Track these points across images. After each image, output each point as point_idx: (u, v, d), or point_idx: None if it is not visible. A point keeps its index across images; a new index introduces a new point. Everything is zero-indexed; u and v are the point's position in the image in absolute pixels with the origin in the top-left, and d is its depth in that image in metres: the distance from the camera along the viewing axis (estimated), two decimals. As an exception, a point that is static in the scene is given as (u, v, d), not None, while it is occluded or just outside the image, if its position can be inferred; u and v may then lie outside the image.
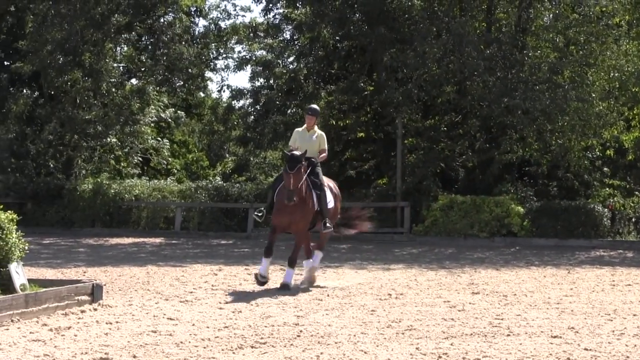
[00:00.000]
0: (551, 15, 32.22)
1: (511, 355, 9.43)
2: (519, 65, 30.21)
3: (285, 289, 15.46)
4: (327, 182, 16.72)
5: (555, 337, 10.66)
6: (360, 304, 13.45)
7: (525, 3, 31.08)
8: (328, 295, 14.67)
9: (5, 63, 41.53)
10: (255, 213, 16.74)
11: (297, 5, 35.26)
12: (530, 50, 31.17)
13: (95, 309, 12.72)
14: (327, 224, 16.08)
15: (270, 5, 35.72)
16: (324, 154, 16.30)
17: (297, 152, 15.47)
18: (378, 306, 13.23)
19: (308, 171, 15.66)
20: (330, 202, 16.36)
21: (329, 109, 36.13)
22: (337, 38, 34.93)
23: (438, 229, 28.90)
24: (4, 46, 42.09)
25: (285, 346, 9.97)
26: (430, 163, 31.46)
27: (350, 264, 21.07)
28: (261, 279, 15.60)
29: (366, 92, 33.83)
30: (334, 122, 36.00)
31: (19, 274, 12.36)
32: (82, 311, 12.43)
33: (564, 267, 20.97)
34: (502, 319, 11.93)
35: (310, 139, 16.21)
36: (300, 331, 10.83)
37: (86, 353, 9.38)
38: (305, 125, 16.48)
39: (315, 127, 16.51)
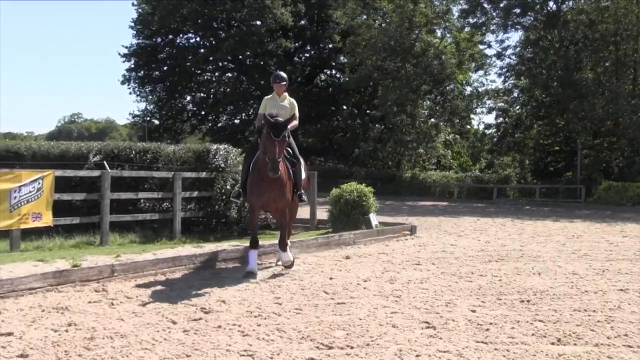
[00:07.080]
0: None
1: None
2: None
3: (289, 266, 14.13)
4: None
5: None
6: None
7: None
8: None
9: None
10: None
11: None
12: None
13: (412, 238, 20.59)
14: (303, 197, 14.37)
15: None
16: (295, 121, 13.84)
17: (280, 119, 13.30)
18: None
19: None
20: (303, 172, 14.74)
21: None
22: None
23: None
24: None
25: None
26: None
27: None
28: (253, 277, 13.04)
29: None
30: None
31: (374, 219, 20.60)
32: (405, 239, 20.07)
33: None
34: None
35: (282, 105, 14.42)
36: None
37: (407, 261, 15.18)
38: (274, 92, 14.58)
39: (286, 94, 14.67)
